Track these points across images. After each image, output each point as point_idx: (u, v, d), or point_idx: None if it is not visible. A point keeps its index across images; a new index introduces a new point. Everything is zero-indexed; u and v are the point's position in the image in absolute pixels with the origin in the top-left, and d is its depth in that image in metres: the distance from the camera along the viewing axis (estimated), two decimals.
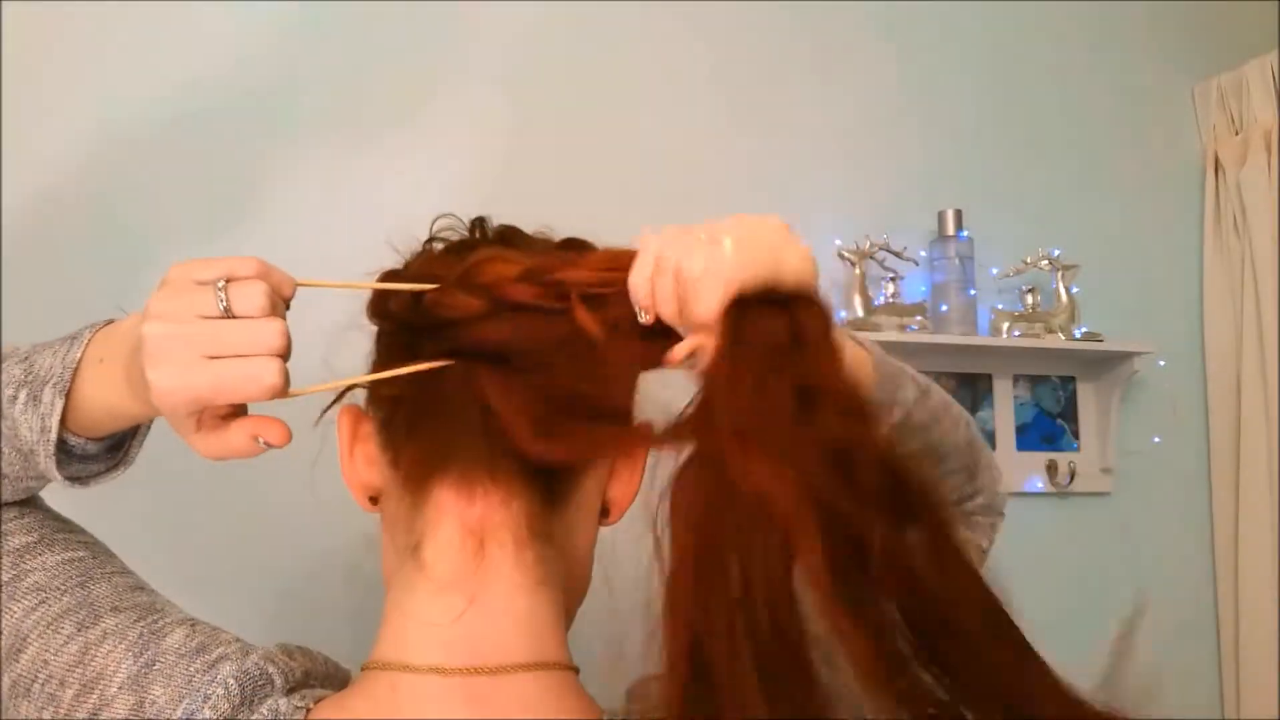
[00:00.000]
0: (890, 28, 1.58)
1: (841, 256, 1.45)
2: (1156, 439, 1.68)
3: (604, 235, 0.56)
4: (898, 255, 1.47)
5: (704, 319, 0.49)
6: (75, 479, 0.59)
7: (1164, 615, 1.64)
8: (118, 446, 0.61)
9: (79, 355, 0.55)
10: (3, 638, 0.58)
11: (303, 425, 0.69)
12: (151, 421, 0.60)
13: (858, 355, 0.60)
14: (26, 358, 0.57)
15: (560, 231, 0.62)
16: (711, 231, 0.51)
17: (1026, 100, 1.67)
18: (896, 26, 1.59)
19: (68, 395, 0.55)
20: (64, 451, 0.57)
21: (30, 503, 0.64)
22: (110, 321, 0.57)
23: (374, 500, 0.61)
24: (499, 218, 0.64)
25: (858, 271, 1.44)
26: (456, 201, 0.69)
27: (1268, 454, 1.62)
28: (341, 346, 0.60)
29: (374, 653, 0.55)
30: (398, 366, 0.55)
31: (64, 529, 0.64)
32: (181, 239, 1.16)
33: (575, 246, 0.60)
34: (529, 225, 0.62)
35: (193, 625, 0.59)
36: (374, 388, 0.60)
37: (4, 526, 0.61)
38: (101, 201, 1.14)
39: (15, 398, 0.56)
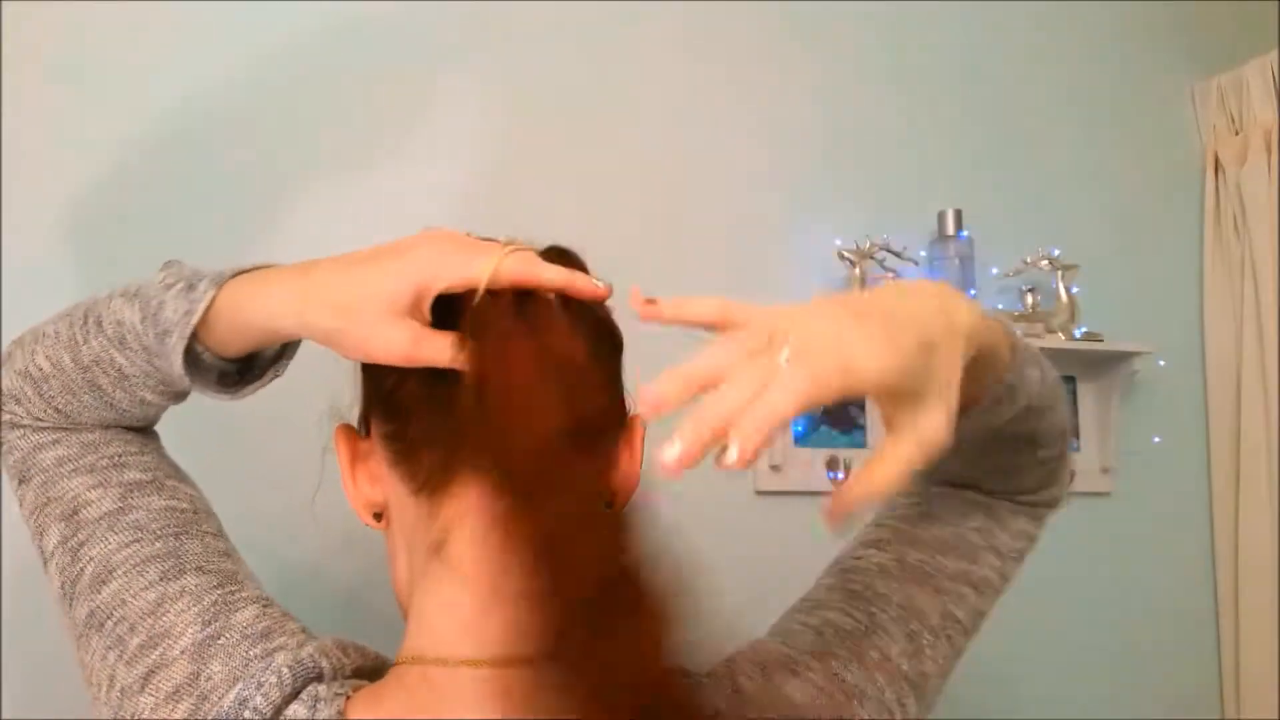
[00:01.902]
0: (890, 28, 1.58)
1: (841, 256, 1.45)
2: (1156, 439, 1.68)
3: (604, 236, 0.57)
4: (898, 255, 1.47)
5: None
6: (189, 379, 0.60)
7: (1164, 615, 1.64)
8: (227, 381, 0.63)
9: (248, 267, 0.59)
10: (91, 565, 0.60)
11: (302, 426, 0.69)
12: (272, 376, 0.64)
13: (994, 338, 0.57)
14: (196, 269, 0.61)
15: (558, 236, 0.62)
16: (766, 353, 0.45)
17: (1026, 100, 1.67)
18: (896, 27, 1.59)
19: (218, 293, 0.57)
20: (189, 357, 0.59)
21: (152, 445, 0.67)
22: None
23: (378, 517, 0.62)
24: (500, 218, 0.64)
25: (858, 271, 1.44)
26: (464, 206, 0.69)
27: (1268, 454, 1.62)
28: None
29: (405, 647, 0.57)
30: (403, 380, 0.57)
31: (175, 475, 0.66)
32: (185, 242, 1.16)
33: (558, 256, 0.60)
34: (531, 226, 0.62)
35: (265, 606, 0.60)
36: (383, 401, 0.61)
37: (125, 459, 0.64)
38: (110, 201, 1.14)
39: (172, 285, 0.59)
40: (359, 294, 0.53)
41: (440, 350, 0.53)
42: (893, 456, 0.48)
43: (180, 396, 0.65)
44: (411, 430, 0.58)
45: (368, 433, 0.62)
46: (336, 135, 1.26)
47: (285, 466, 0.92)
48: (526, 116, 1.35)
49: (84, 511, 0.61)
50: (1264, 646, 1.59)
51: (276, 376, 0.65)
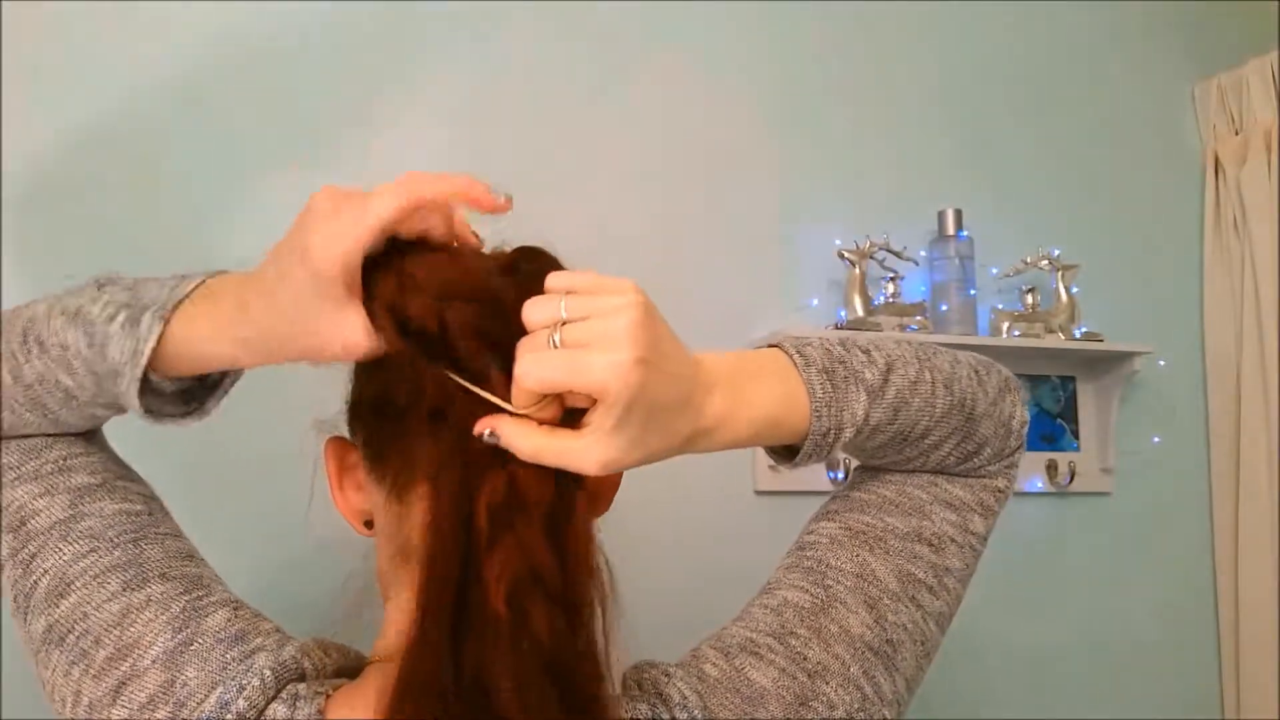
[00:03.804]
0: (889, 29, 1.58)
1: (841, 256, 1.45)
2: (1156, 439, 1.68)
3: (602, 235, 0.56)
4: (898, 255, 1.47)
5: None
6: (150, 412, 0.57)
7: (1164, 615, 1.64)
8: (188, 396, 0.60)
9: (188, 290, 0.55)
10: (46, 578, 0.58)
11: (298, 422, 0.69)
12: (230, 383, 0.61)
13: (792, 398, 0.57)
14: (133, 286, 0.58)
15: (555, 237, 0.62)
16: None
17: (1026, 100, 1.67)
18: (895, 27, 1.59)
19: (165, 329, 0.54)
20: (143, 383, 0.56)
21: (97, 443, 0.64)
22: (224, 272, 0.58)
23: (369, 525, 0.63)
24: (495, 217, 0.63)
25: (858, 271, 1.44)
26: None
27: (1268, 454, 1.62)
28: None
29: (377, 647, 0.57)
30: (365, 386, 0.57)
31: (126, 476, 0.64)
32: (164, 242, 1.16)
33: (530, 257, 0.60)
34: (525, 227, 0.62)
35: (235, 609, 0.59)
36: (354, 409, 0.61)
37: (70, 461, 0.61)
38: (90, 196, 1.15)
39: (114, 317, 0.55)
40: (295, 320, 0.51)
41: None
42: (551, 442, 0.50)
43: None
44: (382, 435, 0.58)
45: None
46: (309, 117, 1.25)
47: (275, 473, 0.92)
48: (518, 113, 1.35)
49: (32, 522, 0.59)
50: (1264, 646, 1.58)
51: (235, 380, 0.62)
